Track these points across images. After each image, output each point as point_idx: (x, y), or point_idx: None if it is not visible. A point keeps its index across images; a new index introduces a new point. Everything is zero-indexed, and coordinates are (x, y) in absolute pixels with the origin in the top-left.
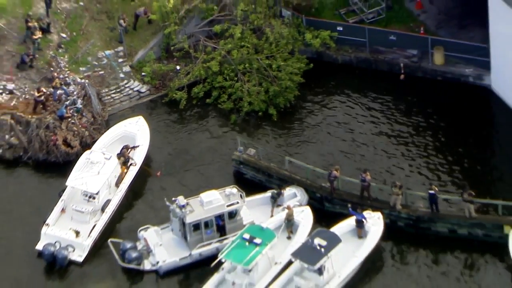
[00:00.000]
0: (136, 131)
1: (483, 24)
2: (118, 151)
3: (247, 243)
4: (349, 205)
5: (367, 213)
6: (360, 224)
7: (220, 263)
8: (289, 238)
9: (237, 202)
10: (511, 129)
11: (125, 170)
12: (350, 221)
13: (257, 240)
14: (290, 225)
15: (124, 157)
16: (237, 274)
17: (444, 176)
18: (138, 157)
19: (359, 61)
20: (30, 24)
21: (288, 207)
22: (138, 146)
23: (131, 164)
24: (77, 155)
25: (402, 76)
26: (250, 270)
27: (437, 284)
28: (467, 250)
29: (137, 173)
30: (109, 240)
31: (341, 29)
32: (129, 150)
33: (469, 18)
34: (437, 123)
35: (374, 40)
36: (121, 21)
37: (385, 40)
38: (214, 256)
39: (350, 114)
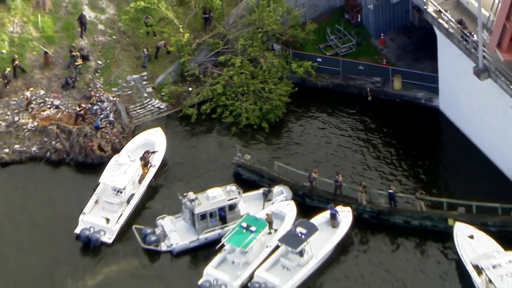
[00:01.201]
0: (155, 139)
1: (433, 57)
2: (141, 155)
3: (244, 230)
4: (331, 204)
5: (339, 208)
6: (333, 216)
7: (222, 246)
8: (269, 233)
9: (236, 197)
10: (454, 142)
11: (146, 170)
12: (326, 214)
13: (253, 228)
14: (271, 226)
15: (145, 160)
16: (236, 255)
17: (401, 179)
18: (156, 160)
19: (334, 86)
20: (73, 53)
21: (267, 214)
22: (156, 151)
23: (151, 166)
24: (109, 158)
25: (369, 98)
26: (246, 252)
27: (394, 263)
28: (418, 238)
29: (155, 173)
30: (133, 226)
31: (320, 60)
32: (150, 154)
33: (421, 53)
34: (396, 136)
35: (346, 69)
36: (145, 49)
37: (355, 69)
38: (217, 240)
39: (326, 127)
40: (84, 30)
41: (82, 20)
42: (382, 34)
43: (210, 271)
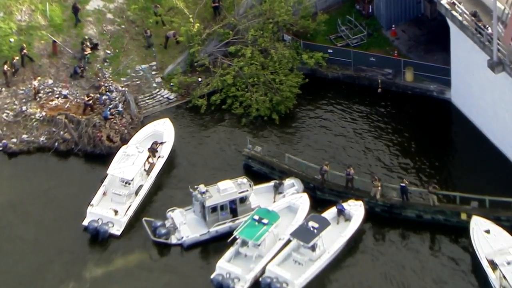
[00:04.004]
0: (163, 130)
1: (444, 49)
2: (149, 146)
3: (256, 223)
4: (341, 201)
5: (351, 201)
6: (340, 212)
7: (234, 239)
8: None
9: (247, 190)
10: (466, 135)
11: (155, 161)
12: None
13: (265, 221)
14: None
15: (153, 151)
16: (249, 248)
17: (412, 172)
18: (164, 151)
19: (345, 77)
20: (83, 45)
21: None
22: (165, 142)
23: (159, 157)
24: (118, 149)
25: (379, 90)
26: (259, 245)
27: (406, 258)
28: (430, 232)
29: (164, 163)
30: (143, 219)
31: (331, 51)
32: (158, 145)
33: (433, 45)
34: (407, 129)
35: (357, 61)
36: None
37: (366, 61)
38: (227, 233)
39: (337, 120)
40: (77, 20)
41: (75, 8)
42: (393, 25)
43: (223, 265)
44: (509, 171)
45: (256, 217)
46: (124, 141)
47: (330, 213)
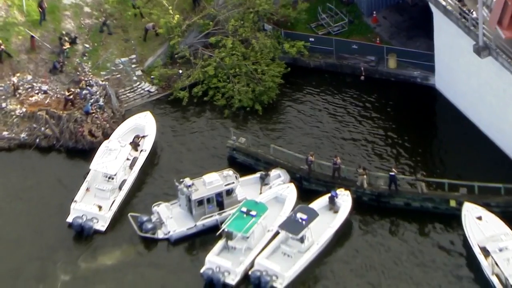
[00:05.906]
0: (145, 124)
1: (426, 35)
2: (131, 140)
3: (244, 215)
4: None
5: (338, 191)
6: (332, 200)
7: (223, 232)
8: None
9: (233, 182)
10: (452, 120)
11: (137, 155)
12: (325, 198)
13: (253, 212)
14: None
15: (135, 145)
16: (238, 241)
17: (398, 160)
18: (147, 145)
19: (327, 66)
20: (62, 40)
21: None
22: (147, 135)
23: (141, 150)
24: (100, 143)
25: (362, 77)
26: (248, 237)
27: (395, 247)
28: (418, 220)
29: (146, 157)
30: (128, 214)
31: (313, 39)
32: (140, 139)
33: (415, 30)
34: (392, 116)
35: (339, 49)
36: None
37: (348, 49)
38: (214, 226)
39: (321, 108)
40: (43, 16)
41: (41, 5)
42: (374, 12)
43: (212, 259)
44: (496, 156)
45: (244, 209)
46: (106, 135)
47: (317, 204)
